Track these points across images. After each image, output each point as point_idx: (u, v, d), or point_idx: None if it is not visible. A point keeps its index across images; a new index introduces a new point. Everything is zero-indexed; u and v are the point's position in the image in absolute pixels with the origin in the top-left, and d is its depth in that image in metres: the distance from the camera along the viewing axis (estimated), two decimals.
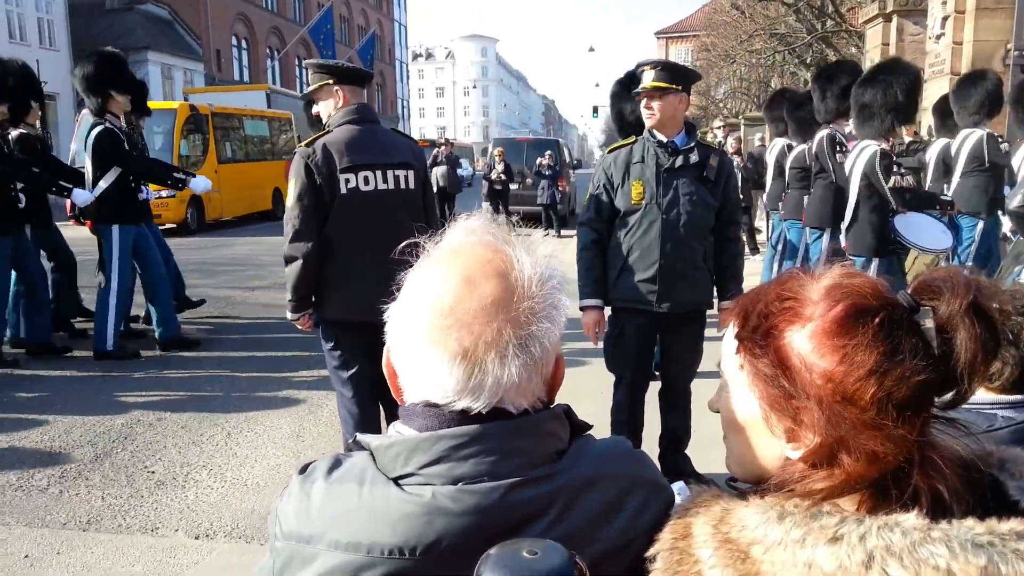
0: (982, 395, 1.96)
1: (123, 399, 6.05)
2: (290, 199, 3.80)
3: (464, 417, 1.12)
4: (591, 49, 73.69)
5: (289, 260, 3.82)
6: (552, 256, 1.20)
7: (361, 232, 3.80)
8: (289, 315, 3.97)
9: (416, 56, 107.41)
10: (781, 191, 9.00)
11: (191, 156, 18.93)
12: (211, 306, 9.37)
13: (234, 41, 40.48)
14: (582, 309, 4.08)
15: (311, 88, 4.00)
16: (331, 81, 3.92)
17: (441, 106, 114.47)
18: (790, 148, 8.73)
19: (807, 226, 7.78)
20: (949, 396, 1.01)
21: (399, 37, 68.51)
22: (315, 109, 4.09)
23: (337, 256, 3.82)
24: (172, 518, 4.13)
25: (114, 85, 7.15)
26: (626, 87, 5.73)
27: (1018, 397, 1.95)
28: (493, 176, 19.65)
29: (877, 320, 0.98)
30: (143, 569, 3.65)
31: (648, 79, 3.95)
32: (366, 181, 3.81)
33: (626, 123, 5.74)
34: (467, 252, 1.16)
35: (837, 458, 0.99)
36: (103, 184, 7.03)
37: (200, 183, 7.81)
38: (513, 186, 20.22)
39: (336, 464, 1.18)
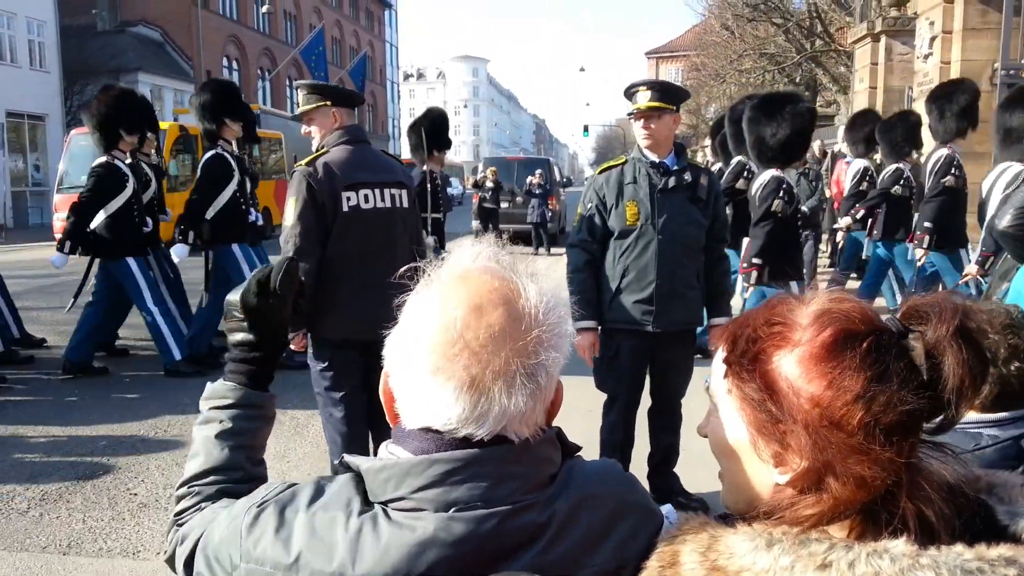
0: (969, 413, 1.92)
1: (106, 421, 5.97)
2: (290, 217, 3.79)
3: (456, 441, 1.09)
4: (582, 69, 74.28)
5: None
6: (557, 285, 1.19)
7: (361, 250, 3.81)
8: None
9: (407, 76, 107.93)
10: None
11: (180, 176, 18.92)
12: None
13: (225, 62, 40.57)
14: (576, 331, 4.03)
15: (305, 108, 4.01)
16: (328, 103, 3.97)
17: None
18: (865, 170, 8.77)
19: (920, 246, 7.53)
20: (937, 421, 1.00)
21: (390, 57, 68.83)
22: (305, 128, 4.12)
23: (337, 274, 3.81)
24: (154, 541, 4.06)
25: (229, 113, 7.29)
26: (763, 110, 5.77)
27: (1001, 415, 1.97)
28: (483, 195, 19.68)
29: (865, 345, 0.97)
30: None
31: (644, 99, 3.94)
32: (366, 199, 3.84)
33: (766, 147, 5.74)
34: (473, 279, 1.13)
35: (824, 483, 0.98)
36: (215, 207, 7.25)
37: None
38: (503, 204, 20.25)
39: (319, 492, 1.15)
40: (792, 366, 1.00)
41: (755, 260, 5.83)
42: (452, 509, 1.06)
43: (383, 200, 3.90)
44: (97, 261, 7.33)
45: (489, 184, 19.62)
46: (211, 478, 1.48)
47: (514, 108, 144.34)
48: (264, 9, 38.97)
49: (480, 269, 1.15)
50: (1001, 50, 9.14)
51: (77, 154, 18.70)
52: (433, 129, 8.42)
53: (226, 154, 7.29)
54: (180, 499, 1.47)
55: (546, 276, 1.18)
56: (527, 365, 1.08)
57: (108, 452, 5.30)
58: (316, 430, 5.62)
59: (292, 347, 3.98)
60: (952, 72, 10.22)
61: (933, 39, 10.69)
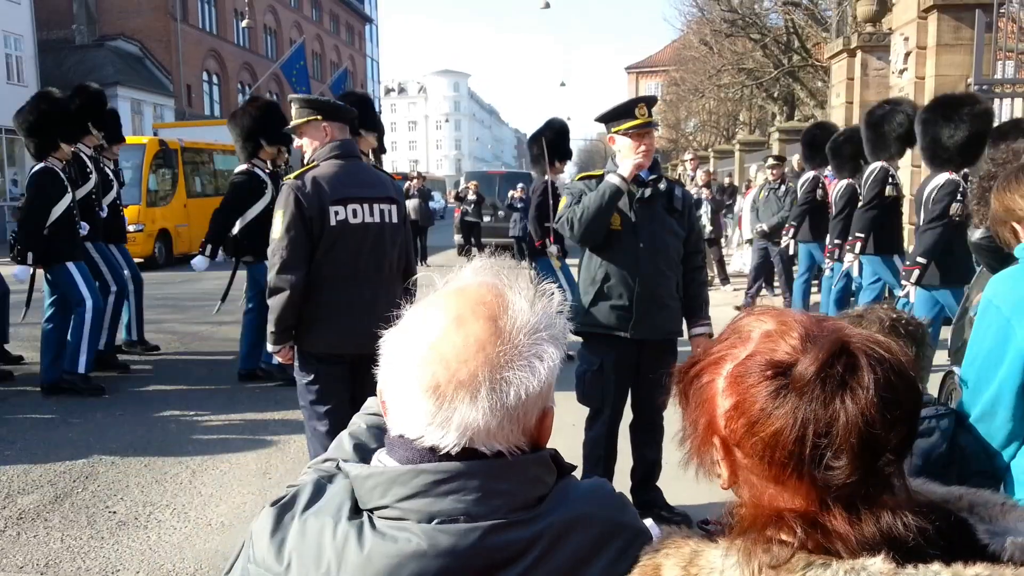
0: None
1: (85, 437, 5.90)
2: (277, 231, 3.79)
3: (446, 454, 1.10)
4: (562, 84, 74.59)
5: (275, 291, 3.80)
6: (560, 312, 1.20)
7: (349, 264, 3.83)
8: (270, 347, 3.95)
9: (389, 91, 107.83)
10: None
11: (160, 190, 18.81)
12: (179, 341, 9.24)
13: (205, 76, 40.41)
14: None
15: (297, 122, 4.02)
16: (319, 117, 3.98)
17: (414, 140, 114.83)
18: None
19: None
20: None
21: (372, 72, 68.82)
22: (297, 142, 4.15)
23: (323, 288, 3.82)
24: (133, 560, 4.02)
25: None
26: (940, 112, 5.76)
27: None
28: (465, 207, 19.70)
29: (771, 373, 0.97)
30: None
31: (644, 115, 3.99)
32: (354, 214, 3.84)
33: (942, 149, 5.67)
34: (468, 292, 1.16)
35: (740, 494, 1.03)
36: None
37: None
38: (486, 218, 20.26)
39: (318, 493, 1.16)
40: (721, 380, 1.03)
41: (920, 259, 5.79)
42: (435, 521, 1.07)
43: (372, 215, 3.90)
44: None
45: (471, 198, 19.65)
46: None
47: (495, 122, 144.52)
48: (244, 23, 38.86)
49: (478, 283, 1.17)
50: (974, 66, 9.25)
51: None
52: (555, 140, 8.33)
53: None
54: None
55: (555, 300, 1.20)
56: (493, 379, 1.09)
57: (86, 470, 5.24)
58: (298, 446, 5.59)
59: (279, 360, 4.00)
60: (927, 87, 10.35)
61: (908, 54, 10.82)
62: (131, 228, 17.32)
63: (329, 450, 1.47)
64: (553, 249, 8.52)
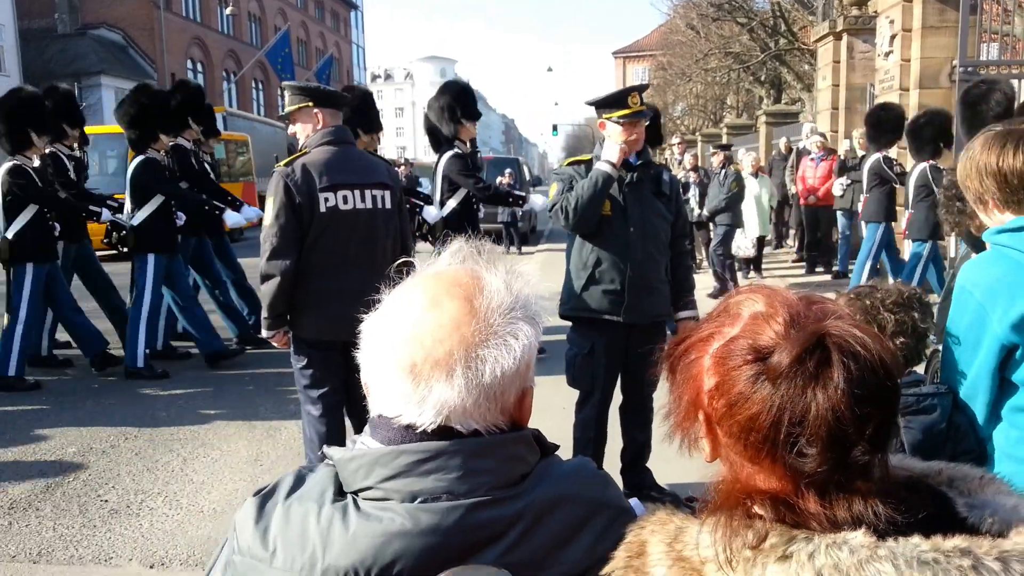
0: None
1: (75, 426, 5.90)
2: (268, 218, 3.81)
3: (427, 434, 1.12)
4: (549, 69, 74.55)
5: (266, 278, 3.82)
6: (540, 296, 1.22)
7: (339, 251, 3.84)
8: (265, 332, 3.99)
9: (375, 77, 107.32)
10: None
11: None
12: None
13: (189, 65, 40.13)
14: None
15: (289, 109, 4.03)
16: (310, 103, 3.98)
17: (400, 126, 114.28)
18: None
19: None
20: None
21: (357, 59, 68.44)
22: (291, 129, 4.15)
23: (314, 275, 3.83)
24: (126, 547, 4.03)
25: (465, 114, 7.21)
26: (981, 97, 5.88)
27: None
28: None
29: (751, 357, 0.98)
30: None
31: (636, 104, 4.00)
32: (345, 200, 3.85)
33: (981, 119, 5.69)
34: (446, 275, 1.18)
35: (721, 470, 1.05)
36: (451, 204, 7.25)
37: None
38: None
39: (299, 482, 1.18)
40: (707, 358, 1.04)
41: None
42: (418, 500, 1.08)
43: (363, 201, 3.90)
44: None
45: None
46: None
47: (483, 108, 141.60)
48: (228, 11, 38.62)
49: (456, 266, 1.19)
50: (959, 48, 9.29)
51: None
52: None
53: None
54: None
55: (531, 281, 1.22)
56: (468, 358, 1.11)
57: (77, 459, 5.24)
58: (289, 434, 5.60)
59: (276, 345, 4.01)
60: (912, 69, 10.38)
61: (893, 37, 10.84)
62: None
63: None
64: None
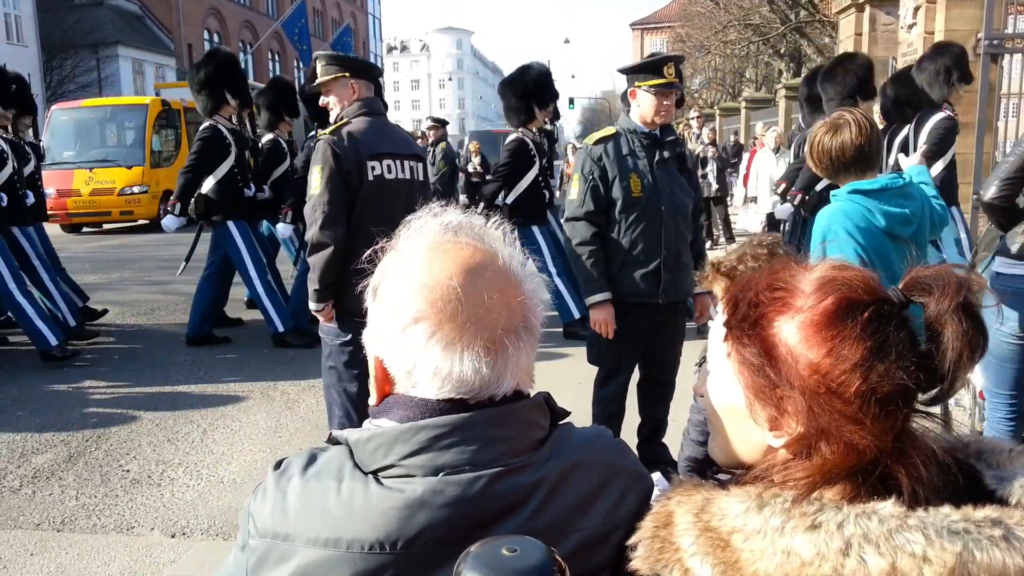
0: None
1: (96, 397, 5.98)
2: (317, 186, 3.76)
3: (443, 407, 1.12)
4: (566, 41, 73.69)
5: (318, 247, 3.76)
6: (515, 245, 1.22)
7: (385, 221, 3.78)
8: (313, 305, 3.90)
9: (391, 49, 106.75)
10: None
11: (163, 151, 18.75)
12: (186, 302, 9.26)
13: (206, 35, 40.06)
14: (592, 306, 3.98)
15: (324, 79, 4.00)
16: (347, 74, 3.96)
17: (416, 99, 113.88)
18: None
19: None
20: (933, 392, 1.01)
21: (373, 30, 68.09)
22: (323, 100, 4.11)
23: (361, 245, 3.80)
24: (148, 517, 4.09)
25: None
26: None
27: None
28: (470, 169, 19.59)
29: (866, 315, 0.99)
30: (119, 569, 3.61)
31: (672, 74, 3.93)
32: (389, 169, 3.86)
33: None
34: (449, 248, 1.16)
35: (817, 447, 1.01)
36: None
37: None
38: (489, 178, 20.12)
39: (312, 460, 1.16)
40: (792, 332, 1.02)
41: None
42: (441, 473, 1.08)
43: (403, 172, 3.92)
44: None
45: (475, 160, 19.54)
46: None
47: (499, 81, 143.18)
48: None
49: (451, 239, 1.17)
50: (984, 20, 9.13)
51: (58, 129, 18.52)
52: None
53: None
54: None
55: (504, 237, 1.21)
56: (527, 318, 1.14)
57: (99, 430, 5.30)
58: (307, 405, 5.65)
59: (321, 319, 3.96)
60: (936, 42, 10.23)
61: (917, 9, 10.67)
62: (135, 189, 17.51)
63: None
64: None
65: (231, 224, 7.21)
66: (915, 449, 1.00)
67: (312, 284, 3.84)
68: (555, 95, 7.67)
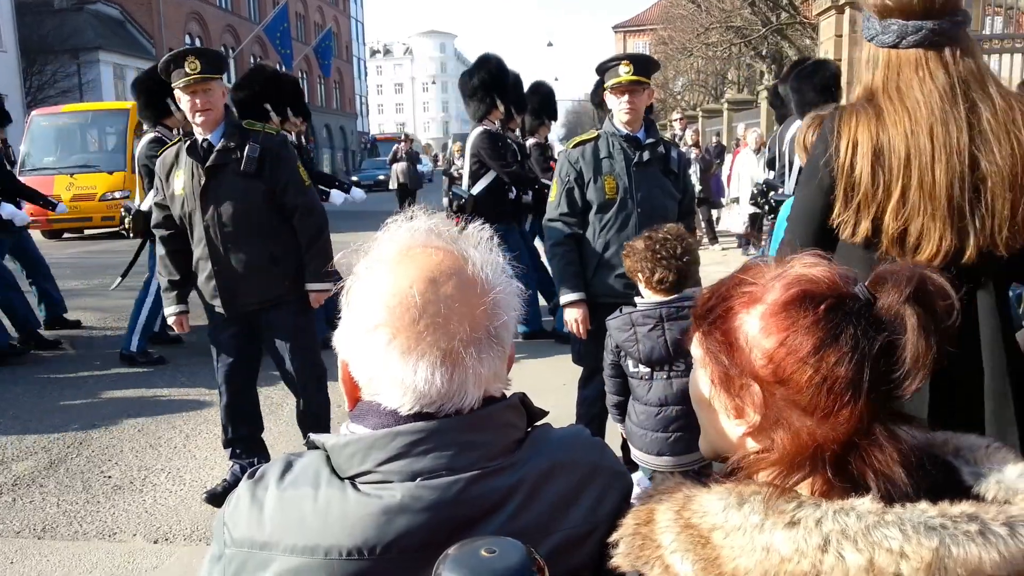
0: (652, 297, 3.15)
1: (78, 404, 5.92)
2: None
3: (418, 413, 1.11)
4: (549, 44, 74.02)
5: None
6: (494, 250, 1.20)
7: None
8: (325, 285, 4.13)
9: (374, 53, 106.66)
10: None
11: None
12: None
13: (188, 40, 39.82)
14: (565, 306, 4.03)
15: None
16: None
17: (400, 102, 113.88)
18: None
19: None
20: (901, 383, 1.02)
21: (356, 34, 67.99)
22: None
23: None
24: (130, 523, 4.05)
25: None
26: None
27: (675, 296, 3.15)
28: (453, 171, 19.59)
29: (823, 307, 1.00)
30: (101, 575, 3.58)
31: (625, 72, 3.95)
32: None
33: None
34: (417, 254, 1.14)
35: (773, 437, 1.03)
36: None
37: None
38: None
39: (288, 467, 1.16)
40: (753, 322, 1.05)
41: None
42: (418, 479, 1.08)
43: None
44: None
45: (458, 163, 19.54)
46: None
47: None
48: None
49: (421, 244, 1.16)
50: None
51: (38, 135, 18.39)
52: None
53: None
54: None
55: (482, 243, 1.19)
56: (491, 328, 1.12)
57: (80, 436, 5.26)
58: (290, 411, 5.61)
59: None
60: None
61: None
62: (117, 195, 17.36)
63: None
64: None
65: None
66: (891, 443, 1.00)
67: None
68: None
